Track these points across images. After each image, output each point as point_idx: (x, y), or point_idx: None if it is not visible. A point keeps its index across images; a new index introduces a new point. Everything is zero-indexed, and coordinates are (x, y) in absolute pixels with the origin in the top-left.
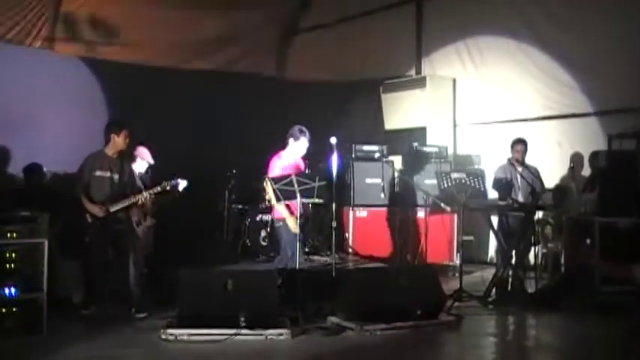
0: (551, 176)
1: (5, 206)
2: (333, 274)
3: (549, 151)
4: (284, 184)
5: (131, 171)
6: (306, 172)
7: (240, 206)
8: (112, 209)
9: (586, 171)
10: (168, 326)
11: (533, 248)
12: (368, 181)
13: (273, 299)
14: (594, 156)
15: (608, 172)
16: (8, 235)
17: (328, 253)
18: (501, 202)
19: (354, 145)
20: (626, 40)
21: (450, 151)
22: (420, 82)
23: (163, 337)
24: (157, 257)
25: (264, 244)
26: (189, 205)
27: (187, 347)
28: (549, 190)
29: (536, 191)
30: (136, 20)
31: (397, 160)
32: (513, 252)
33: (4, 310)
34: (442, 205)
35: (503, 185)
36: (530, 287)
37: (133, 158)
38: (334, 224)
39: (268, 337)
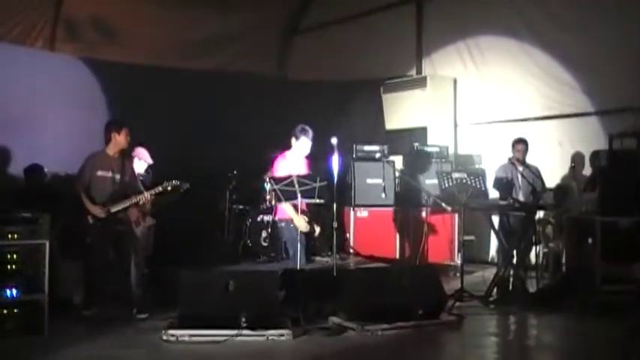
0: (552, 176)
1: (6, 207)
2: (334, 274)
3: (550, 151)
4: (285, 185)
5: (132, 170)
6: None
7: (241, 207)
8: (113, 210)
9: (587, 170)
10: (169, 327)
11: (534, 248)
12: (369, 181)
13: (274, 300)
14: (595, 155)
15: (609, 171)
16: (9, 236)
17: (329, 253)
18: (502, 202)
19: (354, 145)
20: (626, 39)
21: (451, 151)
22: (420, 82)
23: (164, 337)
24: (158, 258)
25: (265, 244)
26: (190, 205)
27: (188, 348)
28: (550, 189)
29: (537, 191)
30: (137, 20)
31: (398, 160)
32: (514, 252)
33: (5, 311)
34: (443, 204)
35: (504, 185)
36: (532, 287)
37: (131, 159)
38: (335, 224)
39: (269, 337)
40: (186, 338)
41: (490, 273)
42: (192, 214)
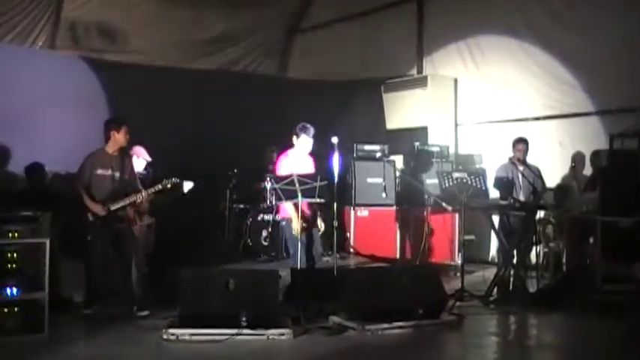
0: (553, 175)
1: (7, 206)
2: (335, 273)
3: (551, 151)
4: (285, 184)
5: (132, 168)
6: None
7: (241, 206)
8: (113, 208)
9: (587, 170)
10: (169, 326)
11: (534, 247)
12: (369, 180)
13: (274, 299)
14: (596, 155)
15: (610, 171)
16: (10, 234)
17: (329, 252)
18: (503, 202)
19: (355, 145)
20: (627, 39)
21: (452, 151)
22: (421, 82)
23: (165, 336)
24: (159, 257)
25: (265, 243)
26: (191, 204)
27: (189, 347)
28: (551, 189)
29: (538, 190)
30: (138, 19)
31: (399, 160)
32: (515, 251)
33: (5, 309)
34: (443, 204)
35: (505, 184)
36: (532, 286)
37: (130, 157)
38: (336, 224)
39: (270, 336)
40: (187, 337)
41: (490, 273)
42: (193, 213)
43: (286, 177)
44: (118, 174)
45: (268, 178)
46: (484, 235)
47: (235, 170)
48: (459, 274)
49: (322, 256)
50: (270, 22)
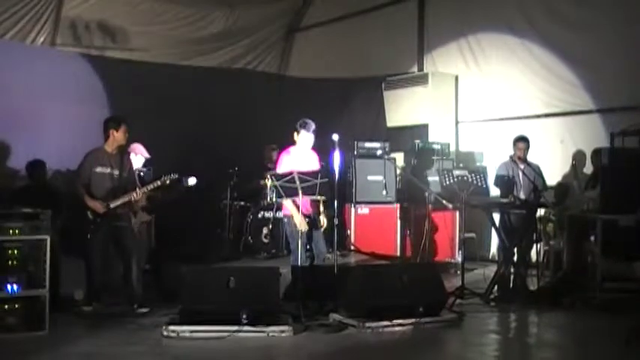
0: (553, 173)
1: (8, 202)
2: (335, 271)
3: (551, 149)
4: (286, 181)
5: (131, 167)
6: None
7: (242, 203)
8: (113, 205)
9: (588, 168)
10: (170, 323)
11: (535, 245)
12: (370, 178)
13: (275, 296)
14: (596, 153)
15: (611, 169)
16: (10, 231)
17: (330, 250)
18: (503, 200)
19: (356, 142)
20: (628, 37)
21: (452, 149)
22: (422, 79)
23: (165, 333)
24: (159, 254)
25: (266, 241)
26: (192, 202)
27: (189, 344)
28: (551, 187)
29: (538, 188)
30: (138, 17)
31: (399, 158)
32: (515, 249)
33: (6, 306)
34: (444, 202)
35: (506, 182)
36: (532, 284)
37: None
38: (336, 221)
39: (270, 333)
40: (187, 334)
41: (491, 270)
42: (194, 210)
43: (287, 174)
44: (117, 172)
45: (269, 176)
46: (485, 233)
47: (236, 168)
48: (459, 271)
49: (326, 255)
50: (270, 20)
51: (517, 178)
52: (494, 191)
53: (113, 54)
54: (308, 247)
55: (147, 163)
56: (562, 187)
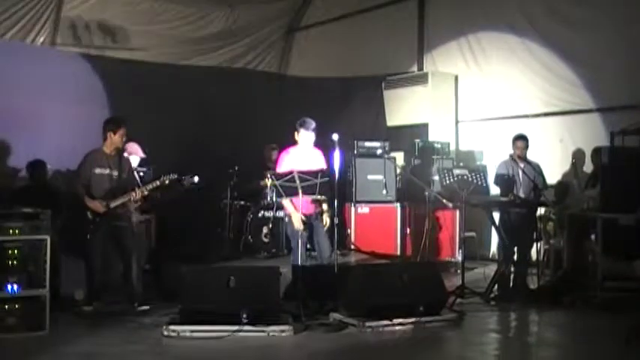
0: (553, 172)
1: (8, 202)
2: (335, 270)
3: (551, 148)
4: (286, 181)
5: (130, 167)
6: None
7: (242, 203)
8: (113, 205)
9: (588, 167)
10: (170, 322)
11: (535, 244)
12: (370, 177)
13: (275, 296)
14: (596, 152)
15: (610, 168)
16: (11, 231)
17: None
18: (503, 198)
19: (356, 142)
20: (628, 36)
21: (452, 148)
22: (422, 79)
23: (166, 333)
24: (159, 254)
25: (266, 240)
26: (192, 201)
27: (189, 343)
28: (551, 186)
29: (538, 187)
30: (138, 17)
31: (399, 157)
32: (515, 248)
33: (6, 306)
34: (444, 201)
35: (506, 181)
36: (532, 283)
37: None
38: (336, 220)
39: (270, 333)
40: (188, 334)
41: (491, 269)
42: (194, 210)
43: (287, 174)
44: (116, 173)
45: (269, 175)
46: (485, 232)
47: (236, 167)
48: (459, 270)
49: (329, 255)
50: (270, 20)
51: (517, 177)
52: (495, 190)
53: (113, 54)
54: (308, 246)
55: (142, 163)
56: (562, 186)
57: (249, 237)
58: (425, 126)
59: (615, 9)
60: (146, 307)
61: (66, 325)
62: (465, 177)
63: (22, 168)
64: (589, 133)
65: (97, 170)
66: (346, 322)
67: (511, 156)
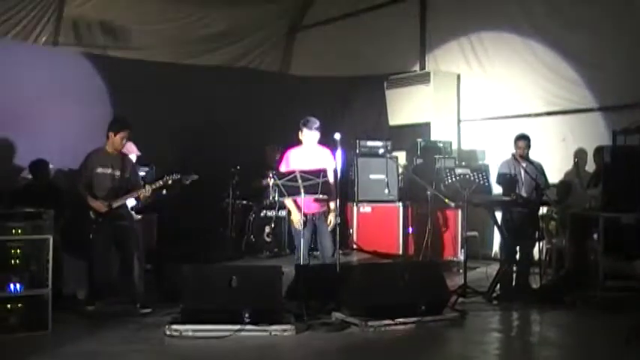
0: (556, 172)
1: (11, 202)
2: (338, 269)
3: (553, 147)
4: (288, 180)
5: (133, 166)
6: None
7: (244, 202)
8: (115, 205)
9: (590, 166)
10: (172, 322)
11: (537, 244)
12: (372, 176)
13: (277, 295)
14: (598, 151)
15: (613, 167)
16: (13, 231)
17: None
18: (505, 198)
19: (358, 141)
20: (630, 35)
21: (454, 147)
22: (424, 78)
23: (168, 332)
24: (161, 253)
25: (268, 239)
26: (194, 201)
27: (192, 343)
28: (553, 185)
29: (540, 187)
30: (140, 16)
31: (401, 156)
32: (517, 248)
33: (9, 306)
34: (446, 200)
35: (508, 180)
36: (535, 283)
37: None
38: (338, 220)
39: (272, 332)
40: (190, 333)
41: (493, 269)
42: (196, 209)
43: (289, 173)
44: (118, 172)
45: (271, 175)
46: (487, 232)
47: (238, 167)
48: (461, 270)
49: (332, 255)
50: (272, 19)
51: (519, 177)
52: (497, 189)
53: (115, 53)
54: (312, 245)
55: (143, 162)
56: (564, 185)
57: (252, 236)
58: (427, 125)
59: (617, 8)
60: (148, 310)
61: (68, 325)
62: (467, 176)
63: (25, 167)
64: (591, 133)
65: (99, 169)
66: (348, 322)
67: (513, 155)
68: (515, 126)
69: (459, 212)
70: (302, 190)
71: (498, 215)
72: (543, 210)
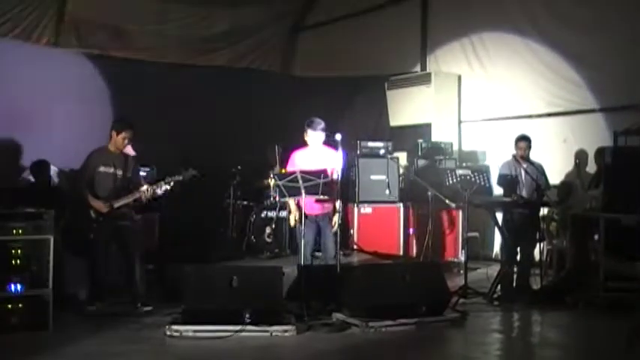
0: (556, 173)
1: (12, 202)
2: (338, 270)
3: (554, 148)
4: (289, 181)
5: (134, 166)
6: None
7: (245, 202)
8: (116, 205)
9: (591, 167)
10: (173, 322)
11: (538, 245)
12: (373, 177)
13: (278, 296)
14: (599, 152)
15: (614, 168)
16: (14, 231)
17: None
18: (506, 199)
19: (359, 142)
20: (631, 36)
21: (455, 148)
22: (425, 79)
23: (168, 333)
24: (162, 254)
25: (269, 240)
26: (195, 201)
27: (192, 343)
28: (554, 186)
29: (541, 188)
30: (142, 16)
31: (402, 157)
32: (518, 248)
33: (9, 306)
34: (447, 201)
35: (509, 181)
36: (535, 284)
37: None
38: (339, 221)
39: (273, 333)
40: (190, 334)
41: (494, 270)
42: (197, 210)
43: (290, 174)
44: (120, 172)
45: (272, 175)
46: (488, 232)
47: (239, 167)
48: (462, 271)
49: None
50: (274, 20)
51: (520, 177)
52: (498, 190)
53: (116, 53)
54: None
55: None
56: (565, 186)
57: (252, 237)
58: (428, 126)
59: (618, 9)
60: (149, 308)
61: (69, 325)
62: (468, 177)
63: (26, 168)
64: (592, 134)
65: (102, 168)
66: (349, 322)
67: (514, 156)
68: (516, 127)
69: (460, 213)
70: (303, 191)
71: (499, 216)
72: (544, 211)
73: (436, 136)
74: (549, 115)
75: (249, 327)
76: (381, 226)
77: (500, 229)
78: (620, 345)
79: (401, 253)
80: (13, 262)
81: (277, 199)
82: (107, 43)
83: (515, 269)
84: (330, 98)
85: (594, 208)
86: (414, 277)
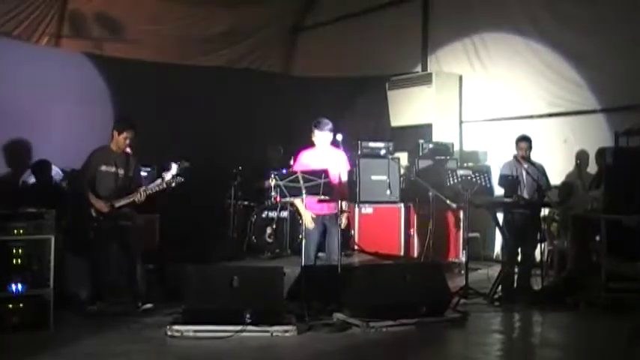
0: (558, 173)
1: (13, 202)
2: (339, 270)
3: (555, 148)
4: (290, 181)
5: (135, 166)
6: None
7: (246, 203)
8: (117, 205)
9: (592, 168)
10: (174, 322)
11: (539, 245)
12: (374, 177)
13: (278, 296)
14: (601, 153)
15: (615, 169)
16: (15, 231)
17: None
18: (507, 199)
19: (360, 142)
20: (632, 36)
21: (456, 148)
22: (426, 79)
23: (169, 333)
24: (163, 254)
25: (269, 240)
26: (196, 201)
27: (193, 344)
28: (555, 187)
29: (542, 188)
30: (143, 16)
31: (403, 157)
32: (519, 249)
33: (10, 305)
34: (448, 201)
35: (510, 182)
36: (536, 284)
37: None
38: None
39: (274, 333)
40: (191, 334)
41: (495, 270)
42: (197, 210)
43: (290, 174)
44: (122, 171)
45: (273, 175)
46: (488, 233)
47: (240, 167)
48: (463, 271)
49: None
50: (274, 20)
51: (521, 178)
52: (499, 191)
53: (117, 53)
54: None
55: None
56: (566, 187)
57: (253, 237)
58: (429, 126)
59: (618, 9)
60: (149, 306)
61: (70, 325)
62: (469, 177)
63: (27, 168)
64: (593, 134)
65: (103, 168)
66: (350, 323)
67: (515, 157)
68: (517, 127)
69: (461, 213)
70: (304, 191)
71: (500, 217)
72: (545, 211)
73: (437, 137)
74: (550, 115)
75: (249, 327)
76: (382, 226)
77: (501, 229)
78: (620, 345)
79: (402, 253)
80: (14, 261)
81: (279, 200)
82: (107, 43)
83: (516, 270)
84: (330, 98)
85: (595, 209)
86: (415, 278)
